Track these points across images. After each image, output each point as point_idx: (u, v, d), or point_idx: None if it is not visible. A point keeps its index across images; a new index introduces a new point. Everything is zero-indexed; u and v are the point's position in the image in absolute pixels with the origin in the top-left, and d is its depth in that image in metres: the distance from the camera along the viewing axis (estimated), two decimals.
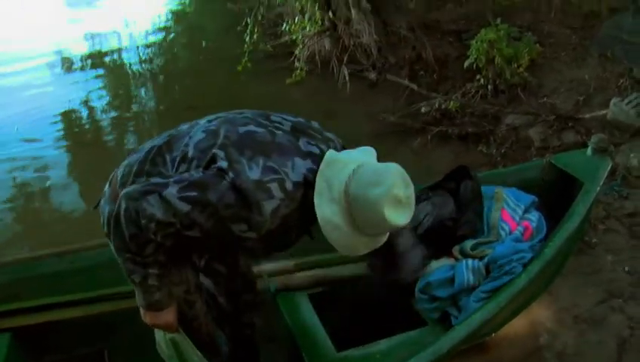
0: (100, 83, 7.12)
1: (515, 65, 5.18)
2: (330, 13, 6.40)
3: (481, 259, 2.31)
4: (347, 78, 6.22)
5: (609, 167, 2.54)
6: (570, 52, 5.42)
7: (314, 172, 1.63)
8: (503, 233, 2.41)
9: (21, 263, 2.48)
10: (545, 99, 4.99)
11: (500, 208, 2.49)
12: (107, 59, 8.00)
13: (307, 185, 1.62)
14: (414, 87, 5.62)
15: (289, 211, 1.60)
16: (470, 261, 2.31)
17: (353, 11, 6.13)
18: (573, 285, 3.09)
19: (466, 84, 5.56)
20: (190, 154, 1.66)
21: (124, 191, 1.58)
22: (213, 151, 1.62)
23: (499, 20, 5.37)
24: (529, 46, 5.23)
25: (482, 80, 5.31)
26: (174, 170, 1.66)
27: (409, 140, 5.00)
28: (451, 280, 2.31)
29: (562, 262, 2.57)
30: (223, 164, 1.57)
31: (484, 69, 5.27)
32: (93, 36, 8.94)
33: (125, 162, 1.81)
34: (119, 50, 8.30)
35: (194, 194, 1.54)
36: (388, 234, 1.75)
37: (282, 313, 2.44)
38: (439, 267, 2.39)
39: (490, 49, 5.11)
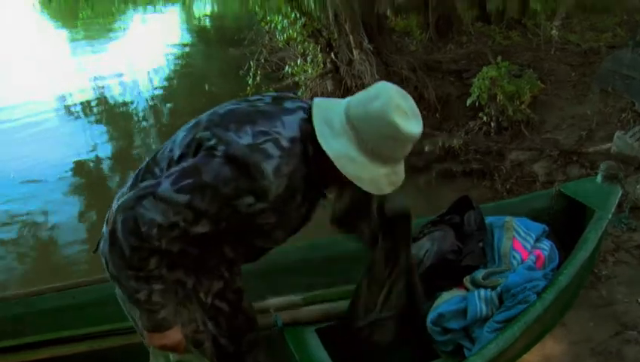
0: (102, 127, 7.16)
1: (518, 102, 5.21)
2: (333, 55, 6.48)
3: (493, 288, 2.26)
4: None
5: (620, 194, 2.51)
6: (570, 88, 5.47)
7: (306, 121, 1.55)
8: (514, 262, 2.36)
9: (22, 298, 2.42)
10: (548, 134, 5.00)
11: (510, 237, 2.45)
12: (110, 103, 8.07)
13: (304, 137, 1.53)
14: None
15: (292, 168, 1.51)
16: (482, 291, 2.26)
17: (355, 52, 6.21)
18: (586, 318, 3.02)
19: (469, 122, 5.61)
20: (177, 154, 1.60)
21: (117, 204, 1.52)
22: (198, 135, 1.55)
23: (499, 58, 5.42)
24: (530, 82, 5.28)
25: (485, 117, 5.35)
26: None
27: (414, 178, 4.99)
28: (464, 312, 2.25)
29: (576, 292, 2.51)
30: (211, 141, 1.50)
31: (486, 107, 5.31)
32: (96, 82, 9.05)
33: (118, 195, 1.76)
34: (122, 95, 8.39)
35: (189, 181, 1.46)
36: (403, 163, 1.60)
37: (290, 348, 2.36)
38: (451, 298, 2.33)
39: (492, 86, 5.15)
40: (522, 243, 2.43)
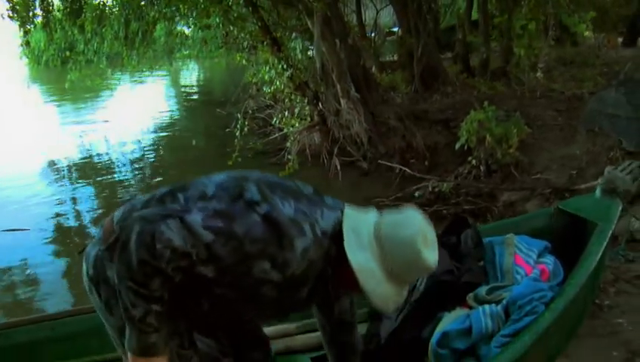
0: (88, 185, 7.04)
1: (506, 146, 5.22)
2: (320, 106, 6.51)
3: (498, 303, 2.15)
4: (339, 168, 6.24)
5: (620, 207, 2.44)
6: (558, 131, 5.52)
7: (341, 224, 1.58)
8: (518, 277, 2.26)
9: None
10: (538, 175, 5.00)
11: (512, 253, 2.36)
12: (95, 161, 8.02)
13: (333, 236, 1.56)
14: (406, 169, 5.62)
15: (316, 257, 1.53)
16: (487, 306, 2.14)
17: (342, 101, 6.26)
18: (593, 347, 2.88)
19: (458, 168, 5.61)
20: (210, 192, 1.57)
21: (139, 213, 1.47)
22: (243, 185, 1.56)
23: (486, 103, 5.47)
24: (518, 125, 5.30)
25: (474, 161, 5.35)
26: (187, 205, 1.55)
27: None
28: (469, 330, 2.12)
29: (581, 315, 2.40)
30: (255, 197, 1.52)
31: (475, 150, 5.31)
32: (83, 141, 9.06)
33: (126, 204, 1.70)
34: (108, 154, 8.37)
35: (220, 224, 1.45)
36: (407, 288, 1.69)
37: None
38: (455, 318, 2.21)
39: (481, 129, 5.17)
40: (525, 258, 2.34)
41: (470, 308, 2.23)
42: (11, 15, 6.50)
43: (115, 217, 1.66)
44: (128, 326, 1.50)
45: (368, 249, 1.55)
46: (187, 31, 13.22)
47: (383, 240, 1.56)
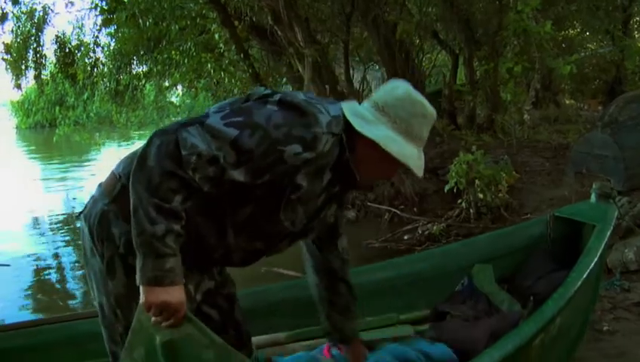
0: (70, 240, 6.87)
1: (495, 190, 5.21)
2: None
3: None
4: None
5: (616, 213, 2.42)
6: (546, 176, 5.54)
7: (343, 114, 1.61)
8: None
9: None
10: (528, 215, 4.97)
11: None
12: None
13: (344, 120, 1.58)
14: (396, 211, 5.58)
15: (338, 131, 1.54)
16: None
17: None
18: None
19: (448, 212, 5.58)
20: (212, 111, 1.55)
21: (155, 131, 1.45)
22: (248, 93, 1.59)
23: (474, 148, 5.51)
24: (506, 169, 5.32)
25: (464, 204, 5.32)
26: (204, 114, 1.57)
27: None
28: None
29: (586, 314, 2.33)
30: (264, 92, 1.54)
31: (464, 193, 5.29)
32: (67, 200, 8.95)
33: (126, 156, 1.66)
34: None
35: (239, 118, 1.45)
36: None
37: None
38: None
39: (470, 171, 5.17)
40: None
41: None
42: (5, 58, 6.50)
43: (116, 169, 1.63)
44: (143, 252, 1.41)
45: (378, 123, 1.57)
46: (175, 100, 13.44)
47: (385, 109, 1.59)
